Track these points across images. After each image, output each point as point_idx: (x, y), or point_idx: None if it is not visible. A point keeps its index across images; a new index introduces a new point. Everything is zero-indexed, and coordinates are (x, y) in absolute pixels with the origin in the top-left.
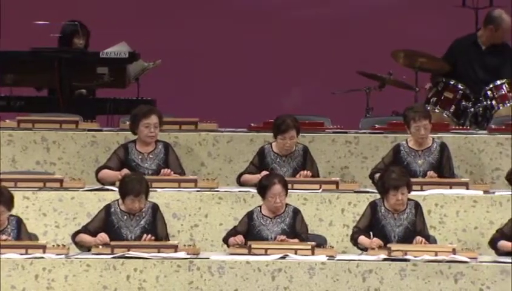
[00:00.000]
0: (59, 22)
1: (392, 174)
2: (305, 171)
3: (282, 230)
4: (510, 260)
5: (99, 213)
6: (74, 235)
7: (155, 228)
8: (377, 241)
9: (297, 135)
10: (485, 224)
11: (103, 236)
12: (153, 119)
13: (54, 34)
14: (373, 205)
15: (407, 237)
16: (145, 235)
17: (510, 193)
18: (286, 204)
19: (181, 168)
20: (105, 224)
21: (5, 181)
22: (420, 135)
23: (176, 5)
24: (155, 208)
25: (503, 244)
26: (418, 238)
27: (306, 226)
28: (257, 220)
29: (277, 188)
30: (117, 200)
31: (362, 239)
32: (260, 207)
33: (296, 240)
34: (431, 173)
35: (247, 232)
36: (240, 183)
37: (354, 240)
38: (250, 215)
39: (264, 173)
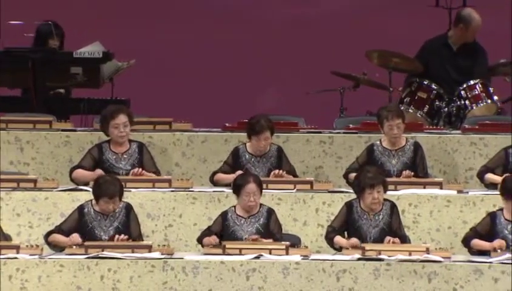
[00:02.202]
0: (33, 21)
1: (368, 173)
2: (277, 170)
3: (256, 230)
4: (483, 260)
5: (72, 213)
6: (47, 235)
7: (129, 228)
8: (354, 241)
9: (271, 136)
10: (459, 223)
11: (75, 237)
12: (122, 119)
13: (28, 34)
14: (349, 206)
15: (382, 238)
16: (117, 236)
17: (483, 192)
18: (260, 204)
19: (156, 168)
20: (79, 224)
21: None
22: (393, 134)
23: (150, 5)
24: (129, 208)
25: (477, 242)
26: (388, 238)
27: (280, 225)
28: (231, 220)
29: (252, 187)
30: (91, 200)
31: (338, 238)
32: (234, 207)
33: (270, 240)
34: (406, 172)
35: (222, 232)
36: (213, 181)
37: (329, 239)
38: (224, 215)
39: (239, 172)
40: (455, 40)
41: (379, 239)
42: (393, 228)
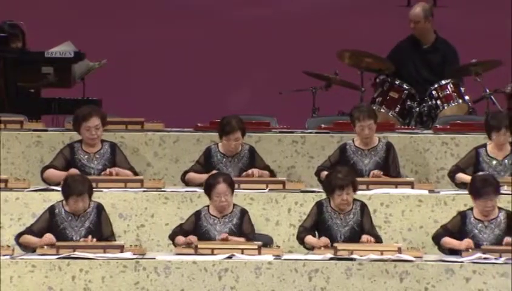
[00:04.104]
0: (3, 21)
1: (338, 174)
2: (252, 170)
3: (229, 230)
4: (455, 259)
5: (43, 214)
6: (18, 236)
7: (100, 228)
8: (324, 240)
9: (242, 136)
10: (430, 223)
11: (49, 237)
12: (94, 122)
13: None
14: (319, 205)
15: (353, 238)
16: (90, 237)
17: (455, 192)
18: (234, 204)
19: (131, 166)
20: (50, 225)
21: None
22: (364, 135)
23: (122, 5)
24: (100, 208)
25: (447, 240)
26: (364, 237)
27: (253, 226)
28: (204, 220)
29: (222, 187)
30: (62, 201)
31: (309, 238)
32: (208, 206)
33: (242, 239)
34: (375, 171)
35: (194, 231)
36: (184, 181)
37: (300, 239)
38: (197, 214)
39: (213, 172)
40: (420, 37)
41: (350, 239)
42: (365, 229)
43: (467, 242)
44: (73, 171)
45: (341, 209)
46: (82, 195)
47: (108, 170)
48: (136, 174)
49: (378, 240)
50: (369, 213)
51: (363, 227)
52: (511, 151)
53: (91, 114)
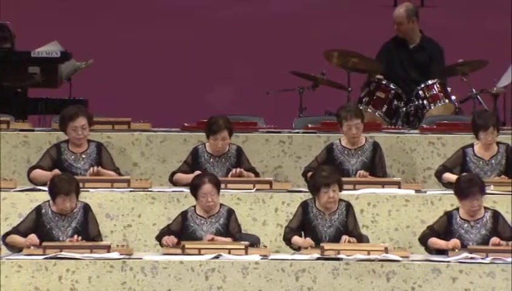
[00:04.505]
0: None
1: (323, 172)
2: (235, 169)
3: (216, 230)
4: (441, 259)
5: (29, 214)
6: (5, 236)
7: (87, 228)
8: (309, 241)
9: (230, 136)
10: (417, 222)
11: (32, 238)
12: (80, 122)
13: None
14: (304, 205)
15: (338, 238)
16: (76, 236)
17: (441, 192)
18: (221, 205)
19: (116, 167)
20: (36, 225)
21: None
22: (352, 134)
23: (108, 5)
24: (86, 208)
25: (434, 241)
26: (343, 238)
27: (239, 226)
28: (191, 220)
29: (207, 187)
30: (48, 201)
31: (295, 238)
32: (194, 206)
33: (228, 238)
34: (361, 172)
35: (181, 231)
36: (172, 181)
37: (287, 240)
38: (184, 215)
39: (198, 173)
40: (405, 37)
41: (335, 239)
42: (349, 229)
43: (454, 242)
44: (56, 171)
45: (327, 208)
46: (70, 194)
47: (91, 169)
48: (120, 175)
49: (362, 239)
50: (353, 213)
51: (347, 227)
52: (498, 151)
53: (78, 114)
